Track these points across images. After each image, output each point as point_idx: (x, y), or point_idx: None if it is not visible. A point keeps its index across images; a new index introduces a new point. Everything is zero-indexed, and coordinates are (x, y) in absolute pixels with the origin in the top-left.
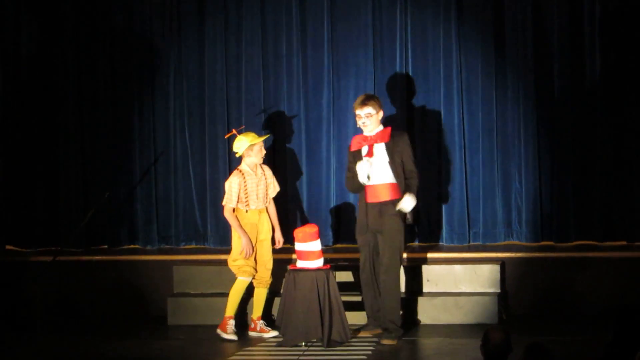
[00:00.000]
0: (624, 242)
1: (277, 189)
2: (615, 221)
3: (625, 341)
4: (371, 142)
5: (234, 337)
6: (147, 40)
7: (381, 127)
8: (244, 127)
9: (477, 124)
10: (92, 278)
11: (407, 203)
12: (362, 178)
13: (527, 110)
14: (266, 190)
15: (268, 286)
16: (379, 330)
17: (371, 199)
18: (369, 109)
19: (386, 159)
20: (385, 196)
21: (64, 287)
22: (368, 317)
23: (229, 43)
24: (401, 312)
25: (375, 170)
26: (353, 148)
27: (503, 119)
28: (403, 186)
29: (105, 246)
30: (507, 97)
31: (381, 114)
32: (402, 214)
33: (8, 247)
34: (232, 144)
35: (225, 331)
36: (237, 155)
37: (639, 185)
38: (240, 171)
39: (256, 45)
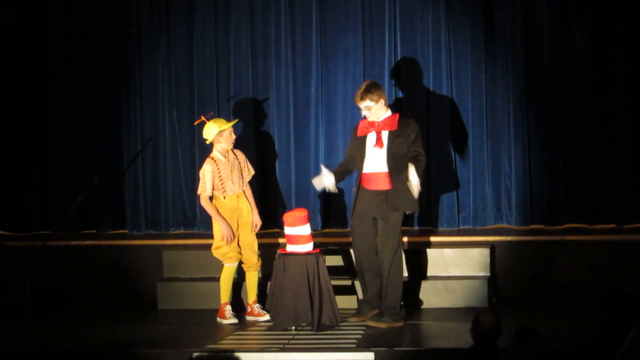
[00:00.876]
0: (613, 225)
1: (252, 172)
2: (605, 204)
3: (615, 325)
4: (379, 129)
5: (234, 320)
6: (136, 26)
7: (389, 113)
8: (212, 113)
9: (466, 107)
10: (81, 263)
11: (413, 175)
12: (316, 185)
13: (517, 94)
14: (241, 174)
15: (258, 268)
16: (372, 312)
17: (368, 186)
18: (366, 102)
19: (386, 147)
20: (384, 185)
21: (53, 271)
22: (363, 301)
23: (217, 28)
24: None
25: (375, 159)
26: (359, 133)
27: (492, 103)
28: (396, 175)
29: (94, 231)
30: (497, 81)
31: (382, 101)
32: (411, 188)
33: None
34: (201, 132)
35: (224, 317)
36: (207, 142)
37: (629, 168)
38: (213, 158)
39: (245, 29)
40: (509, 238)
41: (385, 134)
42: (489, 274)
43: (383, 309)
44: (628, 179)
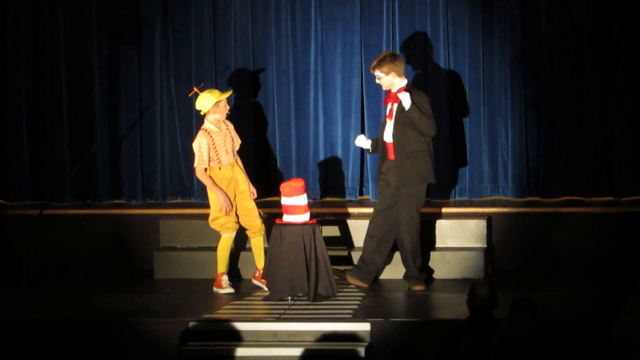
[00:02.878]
0: (610, 198)
1: (239, 141)
2: (602, 177)
3: (612, 297)
4: (392, 100)
5: (230, 290)
6: None
7: (404, 83)
8: (203, 84)
9: (463, 79)
10: (78, 232)
11: (404, 98)
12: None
13: (514, 65)
14: (232, 144)
15: (263, 232)
16: (357, 282)
17: (388, 155)
18: (377, 72)
19: (405, 104)
20: (392, 155)
21: (50, 240)
22: (360, 262)
23: None
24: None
25: (387, 130)
26: (384, 103)
27: (490, 74)
28: (404, 146)
29: (91, 200)
30: (494, 52)
31: (393, 74)
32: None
33: None
34: (194, 102)
35: (221, 287)
36: (201, 113)
37: (626, 141)
38: (206, 130)
39: None
40: (505, 210)
41: (395, 107)
42: (485, 246)
43: (411, 274)
44: (625, 151)
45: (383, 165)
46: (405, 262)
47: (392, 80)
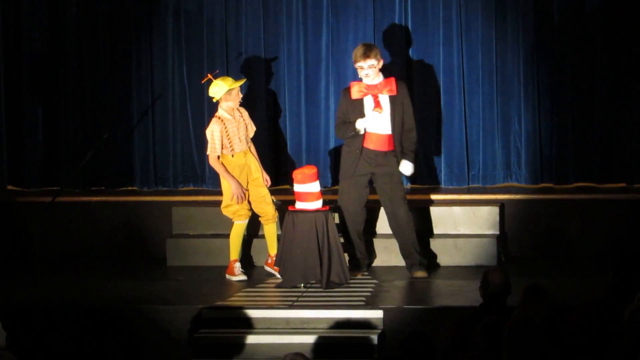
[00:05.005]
0: (623, 184)
1: (254, 128)
2: (615, 163)
3: (625, 283)
4: (375, 92)
5: (243, 277)
6: None
7: (381, 77)
8: (217, 71)
9: (476, 65)
10: (91, 219)
11: (407, 168)
12: (365, 125)
13: (527, 52)
14: (246, 131)
15: (276, 219)
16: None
17: (371, 146)
18: (372, 61)
19: (388, 110)
20: (384, 147)
21: (63, 227)
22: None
23: None
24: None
25: (378, 121)
26: (354, 96)
27: (503, 60)
28: (398, 139)
29: (103, 187)
30: (507, 39)
31: (382, 62)
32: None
33: (9, 187)
34: (207, 89)
35: (233, 274)
36: (214, 100)
37: (639, 127)
38: (220, 118)
39: None
40: (518, 196)
41: (385, 98)
42: (498, 233)
43: (414, 261)
44: (638, 138)
45: (364, 156)
46: (407, 250)
47: (379, 67)
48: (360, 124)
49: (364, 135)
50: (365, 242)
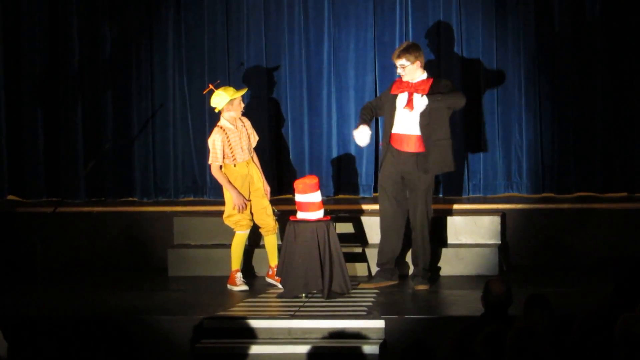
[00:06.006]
0: (624, 194)
1: (257, 138)
2: (616, 172)
3: (626, 293)
4: (411, 90)
5: (244, 287)
6: None
7: (424, 76)
8: (219, 81)
9: (477, 76)
10: (91, 230)
11: (422, 100)
12: (360, 142)
13: (528, 61)
14: (248, 141)
15: (276, 231)
16: (385, 283)
17: (399, 147)
18: (402, 61)
19: (419, 110)
20: (414, 148)
21: (64, 238)
22: (380, 267)
23: None
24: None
25: (406, 121)
26: (393, 90)
27: (503, 70)
28: (429, 138)
29: (104, 198)
30: (507, 48)
31: (418, 63)
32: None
33: (10, 197)
34: (209, 100)
35: (234, 284)
36: (216, 111)
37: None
38: (221, 127)
39: None
40: (519, 206)
41: (417, 97)
42: (499, 242)
43: (416, 272)
44: (639, 147)
45: (393, 156)
46: (417, 259)
47: (416, 69)
48: (358, 133)
49: (390, 135)
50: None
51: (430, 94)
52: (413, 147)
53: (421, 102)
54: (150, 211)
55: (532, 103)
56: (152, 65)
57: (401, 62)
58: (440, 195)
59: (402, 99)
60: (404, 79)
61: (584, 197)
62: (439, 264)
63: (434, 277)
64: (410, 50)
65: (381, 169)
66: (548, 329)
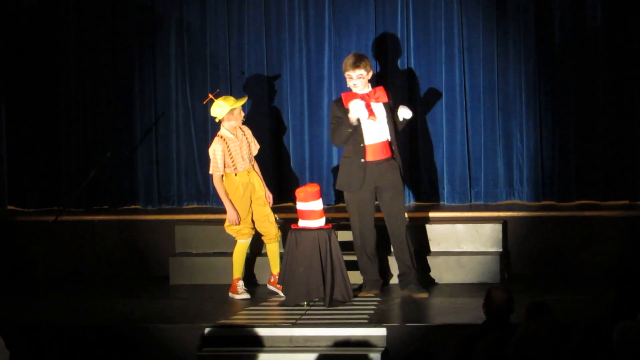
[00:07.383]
0: (626, 201)
1: (258, 146)
2: (617, 180)
3: (628, 301)
4: (367, 101)
5: (246, 295)
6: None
7: (370, 86)
8: (218, 90)
9: (478, 83)
10: (94, 238)
11: (406, 111)
12: (356, 115)
13: (529, 69)
14: (249, 149)
15: (278, 239)
16: (377, 291)
17: (372, 157)
18: (361, 71)
19: (384, 118)
20: (384, 154)
21: (66, 247)
22: (367, 280)
23: (231, 1)
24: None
25: (375, 129)
26: (346, 106)
27: (504, 77)
28: (395, 143)
29: (106, 206)
30: (509, 55)
31: (371, 73)
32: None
33: (10, 207)
34: (209, 109)
35: (236, 292)
36: (216, 120)
37: None
38: (222, 137)
39: (258, 3)
40: (521, 214)
41: (378, 106)
42: (501, 250)
43: (412, 279)
44: None
45: (368, 169)
46: (406, 267)
47: (368, 80)
48: (353, 114)
49: (364, 148)
50: (379, 262)
51: (404, 103)
52: (387, 152)
53: (406, 112)
54: (152, 219)
55: (533, 111)
56: (154, 74)
57: (360, 72)
58: (444, 203)
59: (355, 109)
60: (358, 90)
61: (585, 205)
62: (439, 271)
63: (428, 282)
64: (364, 59)
65: (349, 184)
66: (550, 337)
